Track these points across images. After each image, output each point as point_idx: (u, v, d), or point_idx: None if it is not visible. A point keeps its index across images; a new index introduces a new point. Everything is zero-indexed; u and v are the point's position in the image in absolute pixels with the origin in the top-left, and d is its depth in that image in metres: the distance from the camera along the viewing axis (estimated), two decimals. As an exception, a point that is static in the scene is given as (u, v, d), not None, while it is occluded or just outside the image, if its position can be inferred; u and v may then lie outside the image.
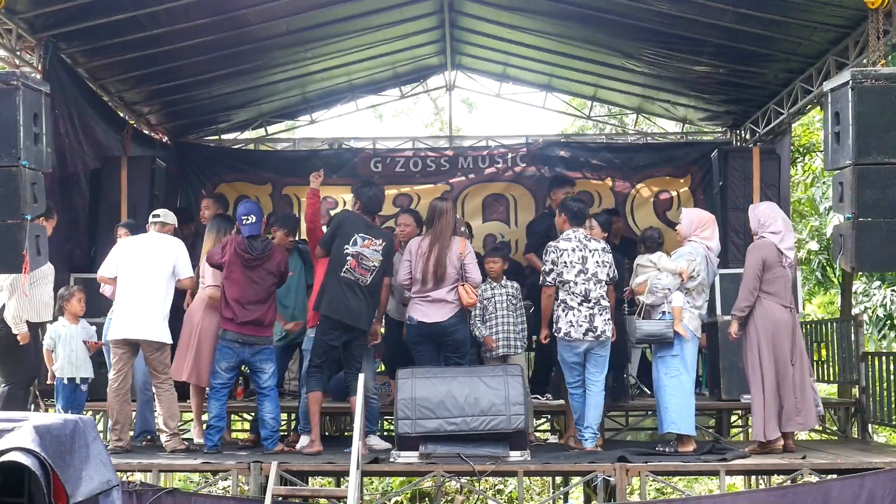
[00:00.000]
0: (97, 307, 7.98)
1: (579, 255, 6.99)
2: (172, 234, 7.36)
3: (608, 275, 7.05)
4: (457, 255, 7.13)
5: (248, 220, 7.07)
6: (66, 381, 7.29)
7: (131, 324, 6.95)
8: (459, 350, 7.32)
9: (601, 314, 6.95)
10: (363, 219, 7.12)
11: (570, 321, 6.91)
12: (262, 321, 7.04)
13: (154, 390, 7.18)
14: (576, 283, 6.94)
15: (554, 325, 7.04)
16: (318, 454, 6.91)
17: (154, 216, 7.33)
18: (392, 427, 7.76)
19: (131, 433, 7.99)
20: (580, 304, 6.93)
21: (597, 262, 7.00)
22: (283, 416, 7.90)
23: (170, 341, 7.08)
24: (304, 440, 7.20)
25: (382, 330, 9.65)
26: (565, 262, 6.96)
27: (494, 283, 7.76)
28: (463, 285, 7.13)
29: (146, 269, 7.01)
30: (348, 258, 6.91)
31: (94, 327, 7.63)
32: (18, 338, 7.26)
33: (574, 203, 7.29)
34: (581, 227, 7.13)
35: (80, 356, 7.36)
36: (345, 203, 11.78)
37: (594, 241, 7.13)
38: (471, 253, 7.30)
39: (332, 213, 10.63)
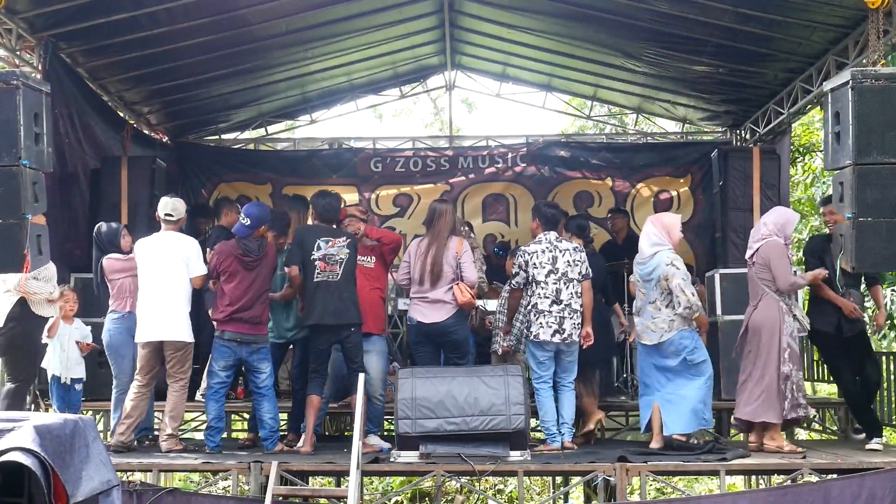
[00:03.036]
0: (94, 308, 7.97)
1: (549, 255, 7.14)
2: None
3: (580, 272, 7.18)
4: (453, 255, 7.17)
5: (245, 220, 7.14)
6: (61, 382, 7.28)
7: (155, 325, 6.96)
8: (459, 350, 7.37)
9: (571, 317, 7.10)
10: (321, 227, 7.21)
11: (541, 323, 7.08)
12: (259, 319, 7.08)
13: (168, 389, 7.15)
14: (546, 284, 7.09)
15: (526, 330, 7.18)
16: (307, 454, 6.94)
17: (167, 215, 7.22)
18: (392, 427, 7.76)
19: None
20: (551, 306, 7.08)
21: (567, 261, 7.15)
22: (283, 415, 7.88)
23: (192, 340, 7.10)
24: (303, 440, 7.21)
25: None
26: (535, 264, 7.11)
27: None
28: (458, 284, 7.16)
29: (164, 270, 7.02)
30: (317, 263, 7.02)
31: (89, 328, 7.61)
32: (47, 330, 7.28)
33: (548, 209, 7.49)
34: (554, 230, 7.29)
35: (71, 357, 7.35)
36: (345, 203, 11.79)
37: (565, 241, 7.29)
38: (467, 252, 7.32)
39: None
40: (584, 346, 7.23)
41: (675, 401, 6.99)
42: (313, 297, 7.03)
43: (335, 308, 6.97)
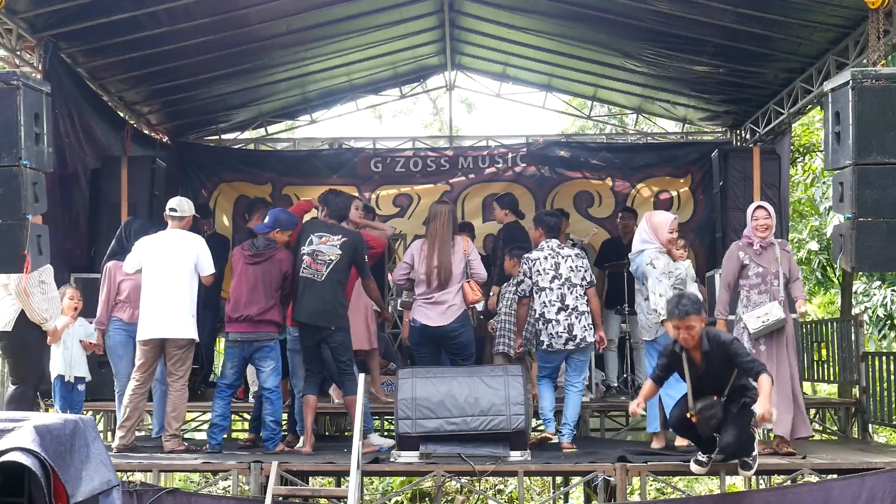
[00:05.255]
0: (95, 308, 7.95)
1: (552, 262, 7.14)
2: (192, 223, 7.33)
3: (584, 279, 7.17)
4: (461, 255, 7.16)
5: (265, 219, 7.26)
6: (65, 380, 7.28)
7: (158, 323, 6.92)
8: (463, 352, 7.37)
9: (579, 321, 7.06)
10: (324, 223, 7.16)
11: (551, 333, 7.04)
12: (258, 317, 6.99)
13: (168, 388, 7.13)
14: (551, 290, 7.07)
15: (535, 339, 7.20)
16: (308, 454, 6.94)
17: (171, 210, 7.17)
18: (392, 427, 7.77)
19: (144, 433, 7.99)
20: (558, 313, 7.03)
21: (570, 267, 7.13)
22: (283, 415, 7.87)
23: (196, 338, 7.07)
24: (302, 441, 7.21)
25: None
26: (538, 271, 7.11)
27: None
28: (468, 282, 7.15)
29: (169, 268, 6.98)
30: (304, 258, 6.97)
31: (93, 326, 7.61)
32: (49, 335, 7.21)
33: (549, 217, 7.50)
34: (556, 238, 7.32)
35: (75, 355, 7.34)
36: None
37: (566, 248, 7.33)
38: (474, 250, 7.34)
39: None
40: (600, 350, 7.25)
41: (675, 397, 6.91)
42: (299, 293, 6.96)
43: (314, 308, 6.89)
